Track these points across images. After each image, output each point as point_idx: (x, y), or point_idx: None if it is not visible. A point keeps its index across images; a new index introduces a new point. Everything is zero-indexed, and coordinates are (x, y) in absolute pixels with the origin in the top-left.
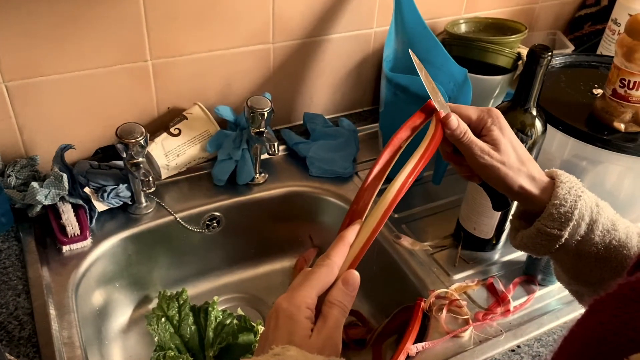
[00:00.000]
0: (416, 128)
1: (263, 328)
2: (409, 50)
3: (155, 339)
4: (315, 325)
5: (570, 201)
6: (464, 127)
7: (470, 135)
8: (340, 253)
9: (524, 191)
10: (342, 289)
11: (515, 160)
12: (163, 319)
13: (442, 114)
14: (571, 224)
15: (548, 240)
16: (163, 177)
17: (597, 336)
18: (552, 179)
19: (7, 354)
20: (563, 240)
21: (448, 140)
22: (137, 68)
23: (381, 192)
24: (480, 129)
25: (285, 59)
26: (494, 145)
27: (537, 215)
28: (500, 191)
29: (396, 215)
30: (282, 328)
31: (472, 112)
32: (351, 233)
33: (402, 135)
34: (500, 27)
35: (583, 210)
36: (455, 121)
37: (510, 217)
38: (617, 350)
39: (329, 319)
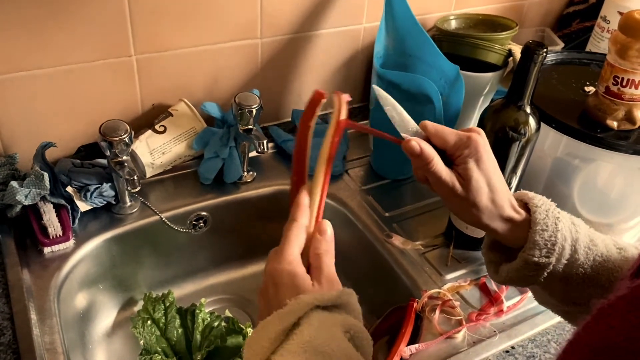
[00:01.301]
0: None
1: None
2: (373, 86)
3: (141, 342)
4: (313, 278)
5: (551, 224)
6: (429, 154)
7: (437, 164)
8: (302, 214)
9: (492, 231)
10: (321, 238)
11: (485, 199)
12: (149, 322)
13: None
14: (557, 249)
15: (536, 270)
16: (148, 175)
17: (607, 341)
18: (524, 203)
19: None
20: (551, 267)
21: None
22: (121, 63)
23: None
24: (455, 157)
25: (274, 54)
26: (465, 179)
27: (510, 244)
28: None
29: (387, 214)
30: (285, 287)
31: (451, 137)
32: (304, 196)
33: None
34: (490, 24)
35: (565, 232)
36: (416, 147)
37: (481, 250)
38: (629, 356)
39: (322, 267)
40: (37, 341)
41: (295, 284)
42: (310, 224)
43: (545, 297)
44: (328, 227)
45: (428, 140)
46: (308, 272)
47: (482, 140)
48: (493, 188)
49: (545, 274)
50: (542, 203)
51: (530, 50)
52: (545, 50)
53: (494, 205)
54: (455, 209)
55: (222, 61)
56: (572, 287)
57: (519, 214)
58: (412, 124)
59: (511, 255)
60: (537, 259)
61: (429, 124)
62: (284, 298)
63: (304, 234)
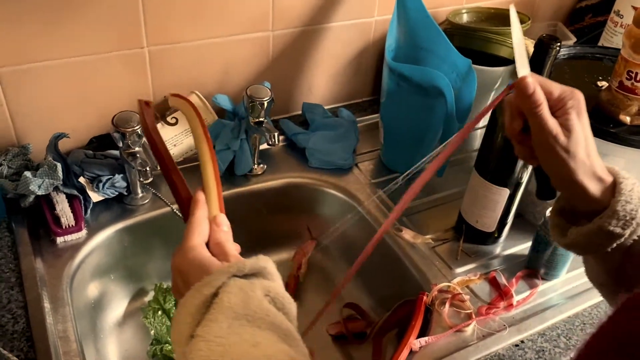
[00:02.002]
0: (152, 122)
1: None
2: (511, 6)
3: (152, 332)
4: (220, 260)
5: (635, 199)
6: (540, 97)
7: (545, 109)
8: (199, 208)
9: (582, 188)
10: (218, 229)
11: (583, 152)
12: (159, 312)
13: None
14: (634, 223)
15: (607, 239)
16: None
17: (631, 333)
18: (613, 175)
19: (1, 349)
20: (622, 239)
21: (519, 113)
22: (133, 55)
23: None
24: (557, 109)
25: (285, 47)
26: (567, 129)
27: (579, 213)
28: (555, 181)
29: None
30: (193, 271)
31: (555, 87)
32: (200, 194)
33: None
34: (502, 18)
35: None
36: (531, 85)
37: (547, 213)
38: None
39: (226, 251)
40: (50, 329)
41: (204, 264)
42: (211, 214)
43: (598, 272)
44: (224, 219)
45: None
46: None
47: (582, 96)
48: (589, 143)
49: (615, 245)
50: (629, 176)
51: (544, 44)
52: (559, 43)
53: (589, 160)
54: (551, 161)
55: (233, 54)
56: (632, 265)
57: (607, 177)
58: (527, 64)
59: (577, 224)
60: (612, 228)
61: (534, 74)
62: (195, 280)
63: (206, 225)
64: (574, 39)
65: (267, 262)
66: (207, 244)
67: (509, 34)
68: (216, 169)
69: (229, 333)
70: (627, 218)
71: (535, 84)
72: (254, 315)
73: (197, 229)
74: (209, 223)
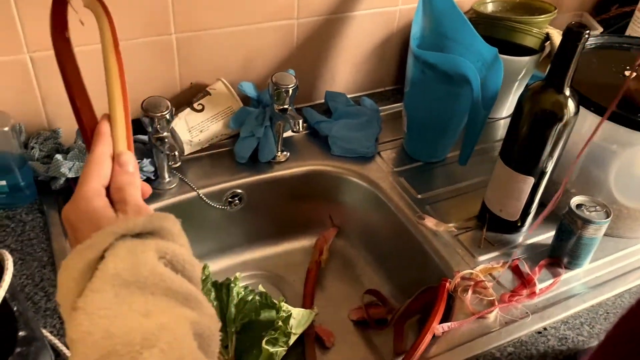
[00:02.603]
0: (63, 25)
1: (285, 305)
2: None
3: None
4: (117, 211)
5: None
6: None
7: None
8: (103, 143)
9: None
10: (122, 170)
11: None
12: None
13: None
14: None
15: None
16: (186, 152)
17: None
18: None
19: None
20: None
21: None
22: (161, 42)
23: None
24: None
25: (309, 35)
26: None
27: None
28: None
29: (419, 196)
30: (83, 224)
31: None
32: (104, 124)
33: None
34: (528, 7)
35: None
36: None
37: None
38: None
39: (127, 198)
40: None
41: (94, 218)
42: (118, 150)
43: None
44: (129, 158)
45: None
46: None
47: None
48: None
49: None
50: None
51: (573, 32)
52: (587, 31)
53: None
54: None
55: (258, 41)
56: None
57: None
58: None
59: None
60: None
61: None
62: (85, 238)
63: (108, 165)
64: (601, 29)
65: (164, 219)
66: (108, 188)
67: (534, 23)
68: (125, 91)
69: (115, 303)
70: None
71: None
72: (145, 281)
73: (95, 170)
74: (112, 162)
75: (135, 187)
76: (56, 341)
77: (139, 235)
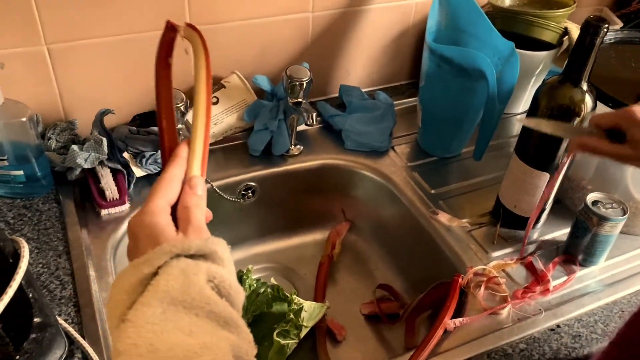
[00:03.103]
0: (169, 52)
1: (297, 298)
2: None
3: None
4: (179, 229)
5: None
6: (591, 148)
7: (600, 150)
8: (175, 165)
9: None
10: (191, 192)
11: None
12: None
13: None
14: None
15: None
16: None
17: None
18: None
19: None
20: None
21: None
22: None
23: None
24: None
25: (324, 29)
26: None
27: None
28: None
29: (433, 191)
30: (145, 238)
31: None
32: (182, 148)
33: (163, 66)
34: (546, 1)
35: None
36: (580, 149)
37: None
38: None
39: (190, 218)
40: (95, 297)
41: (155, 233)
42: (191, 174)
43: None
44: (200, 182)
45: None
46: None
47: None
48: None
49: None
50: None
51: (591, 25)
52: (606, 25)
53: None
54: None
55: (273, 34)
56: None
57: None
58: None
59: None
60: None
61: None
62: (143, 250)
63: (177, 186)
64: (621, 24)
65: (217, 245)
66: (175, 207)
67: (552, 17)
68: (208, 122)
69: (162, 319)
70: None
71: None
72: (192, 302)
73: (163, 189)
74: (183, 184)
75: (201, 210)
76: (70, 329)
77: (192, 256)
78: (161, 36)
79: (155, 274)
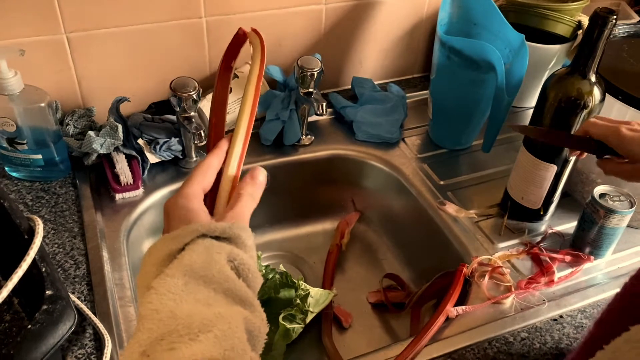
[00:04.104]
0: (234, 55)
1: (304, 284)
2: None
3: None
4: (216, 213)
5: None
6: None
7: (624, 127)
8: (215, 156)
9: None
10: (250, 181)
11: None
12: None
13: None
14: None
15: None
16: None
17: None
18: None
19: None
20: None
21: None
22: (192, 24)
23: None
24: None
25: (337, 20)
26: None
27: None
28: None
29: (442, 182)
30: (178, 219)
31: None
32: (224, 142)
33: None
34: None
35: None
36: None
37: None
38: None
39: (236, 205)
40: (107, 276)
41: (186, 215)
42: (228, 167)
43: None
44: (261, 174)
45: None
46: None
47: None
48: None
49: None
50: None
51: (599, 17)
52: (615, 17)
53: None
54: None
55: (287, 26)
56: None
57: None
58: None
59: None
60: None
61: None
62: (174, 229)
63: (212, 175)
64: (637, 18)
65: (242, 230)
66: (209, 193)
67: (566, 10)
68: (252, 121)
69: (183, 290)
70: None
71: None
72: (211, 278)
73: (199, 175)
74: (231, 173)
75: (252, 200)
76: (83, 306)
77: (218, 238)
78: (231, 41)
79: (182, 249)
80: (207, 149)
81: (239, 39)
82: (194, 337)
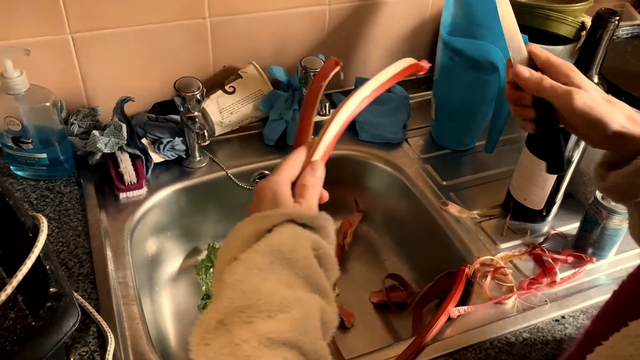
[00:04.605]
0: (325, 77)
1: None
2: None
3: (203, 288)
4: (295, 202)
5: None
6: (536, 74)
7: (548, 80)
8: (303, 151)
9: (623, 129)
10: (311, 172)
11: (604, 98)
12: (211, 270)
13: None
14: None
15: None
16: (217, 133)
17: None
18: None
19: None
20: None
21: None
22: (196, 25)
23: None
24: (553, 73)
25: (341, 21)
26: (577, 85)
27: (622, 164)
28: (596, 137)
29: (444, 183)
30: (267, 201)
31: (553, 58)
32: (310, 142)
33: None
34: None
35: None
36: (525, 72)
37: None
38: None
39: (305, 195)
40: (111, 275)
41: (277, 200)
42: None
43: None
44: (320, 167)
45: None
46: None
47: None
48: (602, 92)
49: None
50: None
51: (602, 18)
52: (617, 18)
53: (616, 104)
54: (584, 119)
55: (290, 26)
56: None
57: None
58: (523, 50)
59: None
60: None
61: (538, 52)
62: (264, 210)
63: (298, 167)
64: None
65: (328, 221)
66: (294, 184)
67: (569, 11)
68: (344, 125)
69: (269, 268)
70: None
71: (524, 67)
72: (295, 262)
73: (289, 166)
74: (305, 165)
75: (316, 190)
76: (86, 304)
77: (303, 225)
78: (325, 65)
79: (269, 230)
80: (294, 146)
81: (332, 65)
82: (273, 315)
